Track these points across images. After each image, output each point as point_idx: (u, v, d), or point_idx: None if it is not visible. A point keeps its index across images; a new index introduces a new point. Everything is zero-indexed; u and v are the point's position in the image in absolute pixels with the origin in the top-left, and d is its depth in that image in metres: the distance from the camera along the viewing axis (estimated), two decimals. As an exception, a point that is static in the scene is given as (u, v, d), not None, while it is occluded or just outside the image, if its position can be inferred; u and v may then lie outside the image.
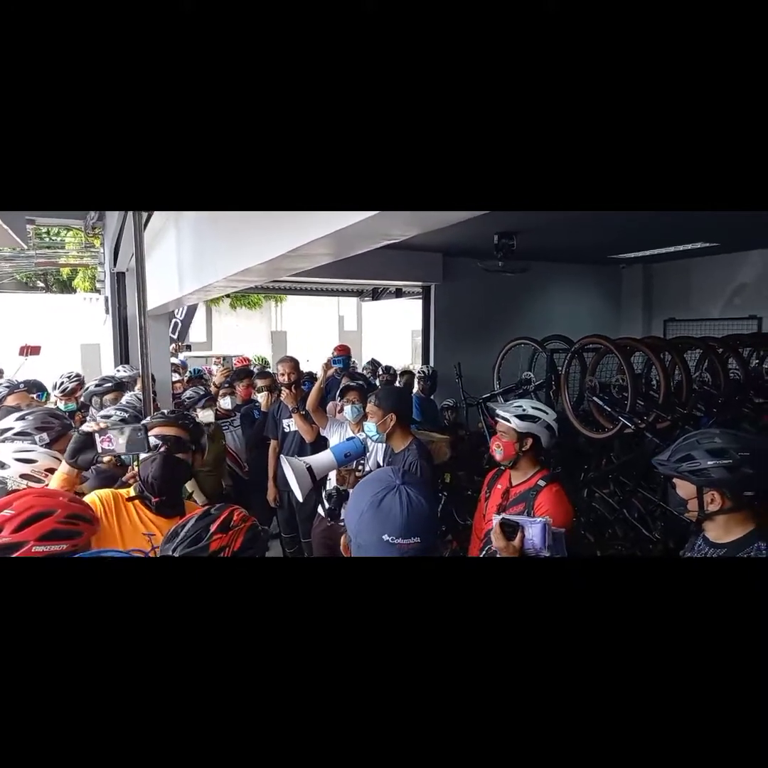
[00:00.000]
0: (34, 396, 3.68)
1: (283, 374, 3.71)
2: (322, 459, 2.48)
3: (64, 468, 1.64)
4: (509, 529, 1.79)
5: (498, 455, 2.22)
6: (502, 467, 2.29)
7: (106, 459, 1.71)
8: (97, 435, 1.59)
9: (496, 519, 1.89)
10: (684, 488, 1.53)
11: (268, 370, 4.72)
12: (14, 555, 1.15)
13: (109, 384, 3.59)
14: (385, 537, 0.96)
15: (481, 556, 2.24)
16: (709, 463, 1.47)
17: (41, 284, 15.57)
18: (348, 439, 2.63)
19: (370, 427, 2.54)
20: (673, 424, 3.30)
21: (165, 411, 1.92)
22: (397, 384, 5.62)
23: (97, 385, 3.62)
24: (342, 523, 2.83)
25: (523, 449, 2.16)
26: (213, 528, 1.20)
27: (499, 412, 2.23)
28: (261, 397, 4.03)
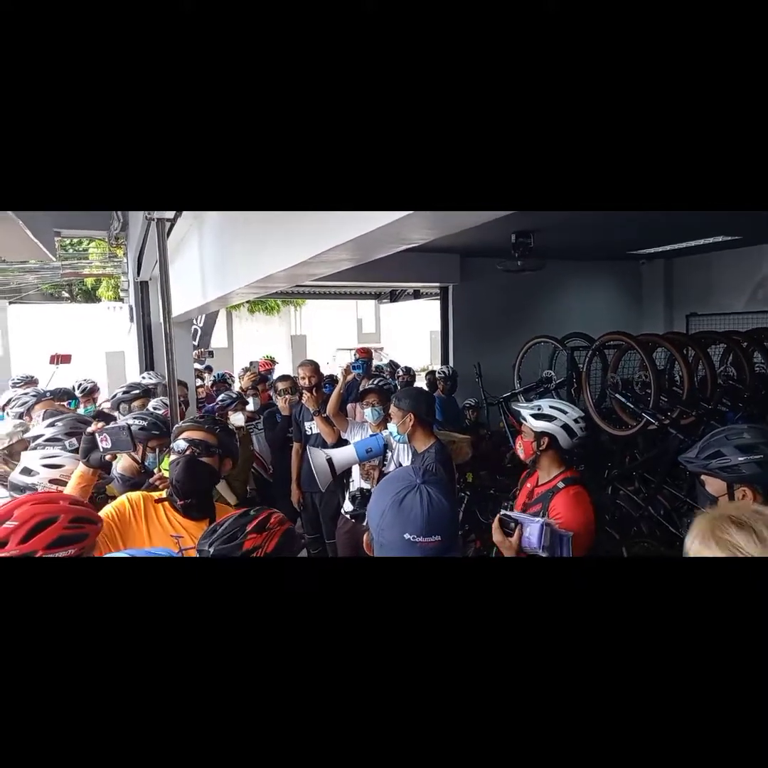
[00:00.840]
0: (66, 403, 3.78)
1: (303, 378, 3.74)
2: (343, 452, 2.55)
3: (80, 468, 1.75)
4: (507, 526, 1.81)
5: (520, 454, 2.24)
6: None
7: (108, 456, 1.82)
8: (97, 435, 1.73)
9: (498, 514, 1.91)
10: (714, 485, 1.52)
11: (287, 374, 4.78)
12: None
13: (137, 391, 3.66)
14: (407, 535, 0.98)
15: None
16: (739, 459, 1.46)
17: (66, 294, 15.89)
18: (371, 436, 2.65)
19: (391, 427, 2.57)
20: (697, 420, 3.26)
21: (196, 416, 1.97)
22: (418, 384, 5.63)
23: (124, 393, 3.69)
24: (366, 524, 2.86)
25: (541, 449, 2.13)
26: (249, 528, 1.23)
27: (521, 412, 2.23)
28: (279, 401, 4.07)
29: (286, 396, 4.02)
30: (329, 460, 2.43)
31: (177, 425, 1.83)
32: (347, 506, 2.87)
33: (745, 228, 4.84)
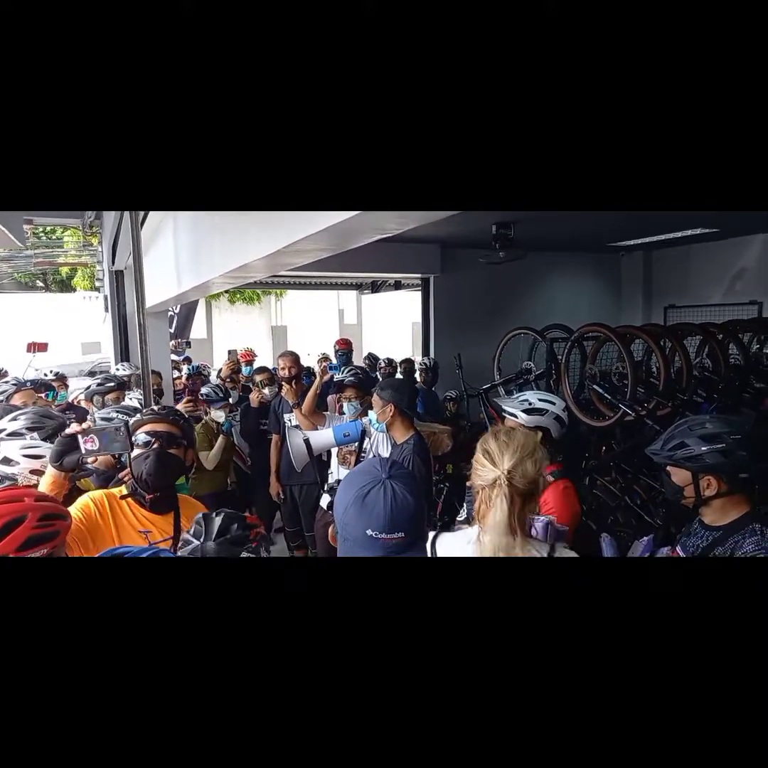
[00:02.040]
0: (43, 395, 3.71)
1: (283, 368, 3.71)
2: (320, 435, 2.59)
3: (50, 472, 1.60)
4: None
5: None
6: None
7: (90, 459, 1.70)
8: (80, 436, 1.57)
9: None
10: (679, 475, 1.54)
11: (264, 366, 4.75)
12: None
13: (112, 384, 3.60)
14: (369, 531, 0.96)
15: None
16: (703, 448, 1.48)
17: (41, 284, 15.58)
18: (350, 421, 2.67)
19: (371, 415, 2.56)
20: (673, 411, 3.30)
21: (155, 407, 1.92)
22: (397, 375, 5.63)
23: (98, 385, 3.62)
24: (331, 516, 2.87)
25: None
26: (248, 520, 1.23)
27: (505, 408, 2.19)
28: (252, 394, 4.04)
29: (262, 389, 3.98)
30: (306, 441, 2.46)
31: (135, 418, 1.77)
32: (325, 499, 2.86)
33: (724, 221, 4.89)
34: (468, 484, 1.61)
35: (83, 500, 1.63)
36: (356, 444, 2.76)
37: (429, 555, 1.33)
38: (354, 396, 3.02)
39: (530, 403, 2.13)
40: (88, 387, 3.76)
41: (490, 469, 1.29)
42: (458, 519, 1.61)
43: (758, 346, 4.32)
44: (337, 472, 3.01)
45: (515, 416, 2.12)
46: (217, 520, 1.19)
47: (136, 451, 1.65)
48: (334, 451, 2.98)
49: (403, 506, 0.98)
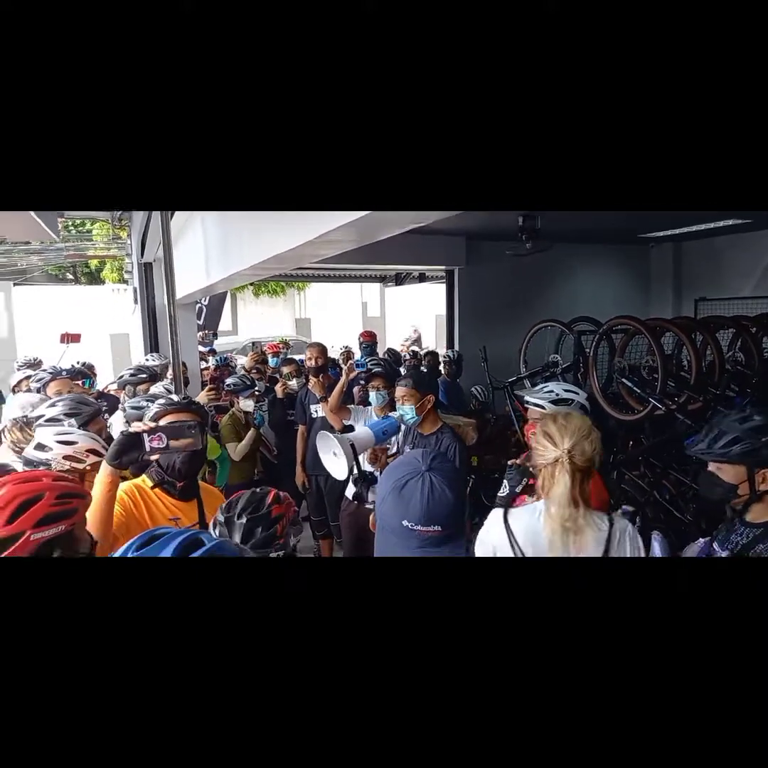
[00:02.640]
0: (80, 383, 3.81)
1: (310, 358, 3.77)
2: (362, 436, 2.50)
3: (106, 470, 1.52)
4: None
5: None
6: None
7: (153, 456, 1.69)
8: (145, 434, 1.51)
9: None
10: (731, 472, 1.48)
11: (292, 357, 4.80)
12: (13, 547, 1.11)
13: (144, 375, 3.66)
14: (405, 522, 0.97)
15: None
16: (762, 440, 1.43)
17: (70, 276, 15.87)
18: (384, 418, 2.63)
19: (406, 409, 2.53)
20: (705, 405, 3.24)
21: (174, 397, 1.95)
22: (422, 368, 5.62)
23: (131, 375, 3.69)
24: (369, 505, 2.88)
25: None
26: (269, 500, 1.27)
27: (530, 399, 2.19)
28: (278, 386, 4.09)
29: (288, 381, 4.04)
30: (353, 446, 2.41)
31: (154, 411, 1.79)
32: (350, 488, 2.87)
33: (757, 212, 4.76)
34: (510, 463, 1.77)
35: (118, 494, 1.63)
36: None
37: (504, 530, 1.44)
38: (382, 385, 3.01)
39: (556, 394, 2.15)
40: (121, 376, 3.83)
41: (551, 449, 1.42)
42: (500, 494, 1.70)
43: (793, 339, 4.21)
44: (364, 460, 3.03)
45: (542, 407, 2.12)
46: (239, 524, 1.21)
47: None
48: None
49: (440, 499, 0.98)
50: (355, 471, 2.95)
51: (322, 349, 3.82)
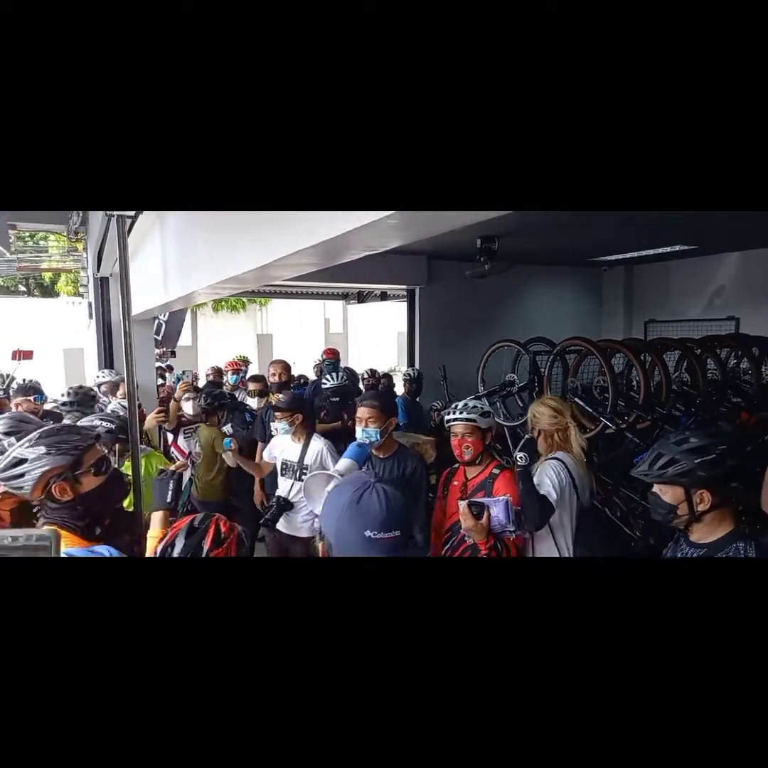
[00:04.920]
0: (32, 398, 3.72)
1: (273, 375, 3.79)
2: (347, 469, 2.28)
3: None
4: (476, 510, 1.99)
5: (468, 455, 2.38)
6: (456, 466, 2.51)
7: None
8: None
9: (462, 504, 2.05)
10: (671, 493, 1.52)
11: (258, 374, 4.74)
12: None
13: (66, 408, 3.61)
14: (367, 532, 0.99)
15: (445, 548, 2.41)
16: (695, 462, 1.46)
17: (23, 288, 15.37)
18: (357, 446, 2.55)
19: (371, 432, 2.53)
20: (653, 424, 3.36)
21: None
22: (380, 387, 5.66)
23: (62, 404, 3.65)
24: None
25: (486, 443, 2.41)
26: (207, 545, 1.19)
27: (460, 416, 2.37)
28: (252, 402, 4.10)
29: (251, 398, 4.05)
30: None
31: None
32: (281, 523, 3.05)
33: (703, 238, 5.01)
34: (526, 436, 2.32)
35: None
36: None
37: (563, 468, 2.26)
38: (282, 417, 3.08)
39: (482, 407, 2.41)
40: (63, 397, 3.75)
41: (560, 418, 2.33)
42: (520, 463, 2.12)
43: (735, 361, 4.42)
44: (281, 488, 3.14)
45: (475, 421, 2.35)
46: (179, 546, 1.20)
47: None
48: (294, 460, 3.13)
49: (397, 504, 1.03)
50: (277, 496, 3.07)
51: (285, 366, 3.84)
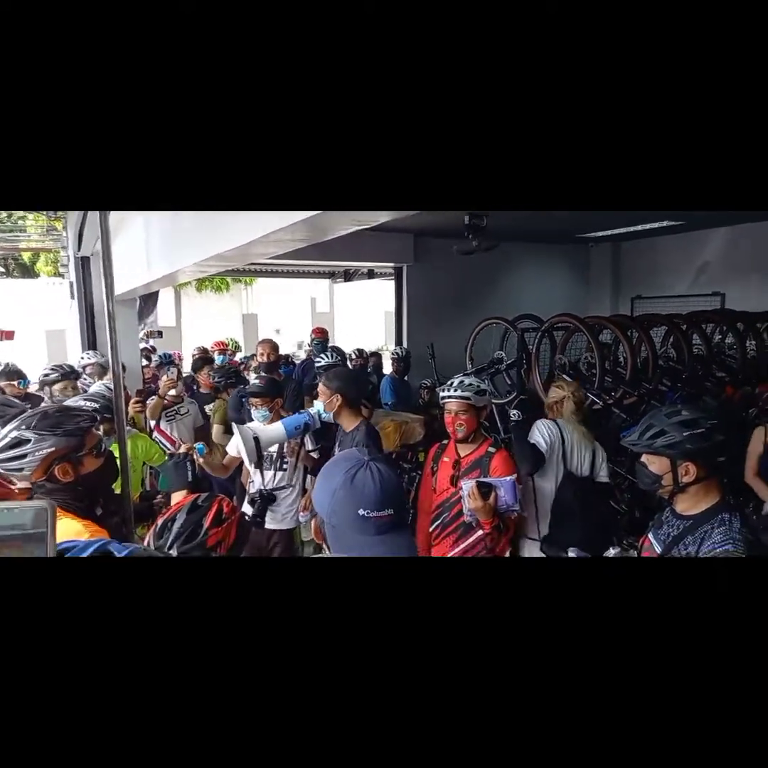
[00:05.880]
0: (16, 383, 3.67)
1: (262, 354, 3.77)
2: (270, 430, 2.54)
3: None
4: (485, 490, 2.02)
5: (461, 433, 2.38)
6: (445, 442, 2.52)
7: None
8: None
9: (468, 483, 2.11)
10: (658, 464, 1.56)
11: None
12: None
13: (56, 374, 3.52)
14: (361, 511, 0.99)
15: (435, 525, 2.44)
16: (684, 434, 1.50)
17: (1, 269, 15.06)
18: (299, 413, 2.63)
19: (318, 405, 2.57)
20: (639, 400, 3.39)
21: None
22: (369, 366, 5.65)
23: (45, 375, 3.57)
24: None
25: (480, 421, 2.42)
26: (207, 523, 1.19)
27: (454, 394, 2.37)
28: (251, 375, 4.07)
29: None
30: (256, 438, 2.44)
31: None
32: (247, 508, 2.81)
33: (689, 213, 5.01)
34: (521, 397, 2.82)
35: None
36: (299, 438, 2.81)
37: (556, 428, 2.56)
38: (260, 403, 2.89)
39: (477, 385, 2.41)
40: (45, 375, 3.68)
41: (561, 392, 2.65)
42: (514, 419, 2.52)
43: (720, 336, 4.46)
44: (258, 481, 2.94)
45: (469, 399, 2.35)
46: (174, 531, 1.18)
47: None
48: (274, 451, 2.93)
49: (390, 482, 1.02)
50: (251, 490, 2.90)
51: (273, 346, 3.81)
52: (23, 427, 1.36)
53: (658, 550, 1.60)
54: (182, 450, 1.89)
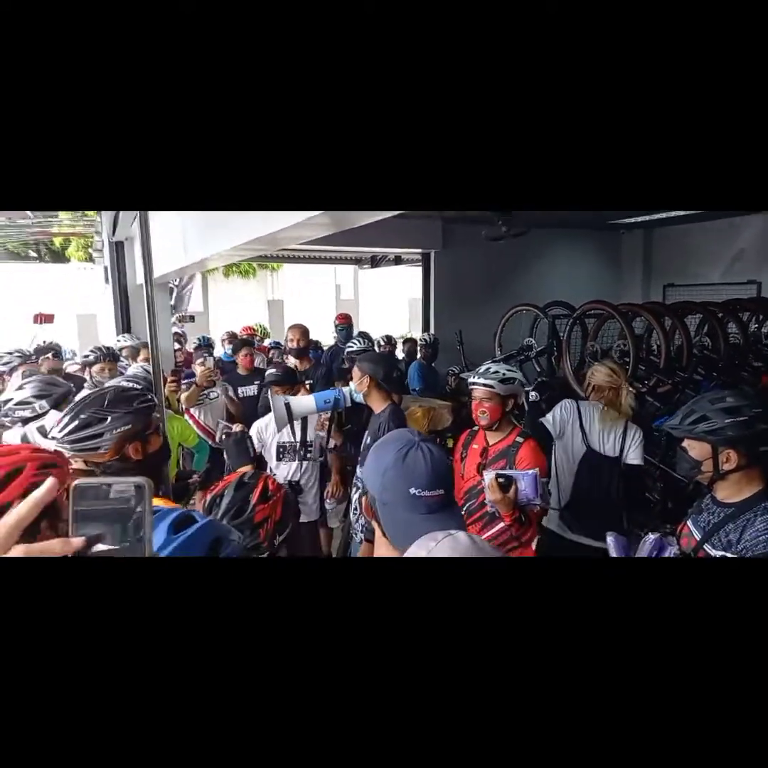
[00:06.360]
0: (50, 355, 3.77)
1: (292, 340, 3.78)
2: (301, 400, 2.68)
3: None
4: (504, 482, 1.96)
5: (484, 421, 2.34)
6: (476, 428, 2.47)
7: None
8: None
9: (489, 475, 2.05)
10: (698, 449, 1.55)
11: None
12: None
13: (98, 354, 3.58)
14: (412, 490, 1.01)
15: (462, 512, 2.39)
16: (726, 421, 1.48)
17: (34, 254, 15.36)
18: (331, 389, 2.74)
19: (351, 385, 2.65)
20: (673, 388, 3.35)
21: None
22: (399, 352, 5.66)
23: (84, 356, 3.64)
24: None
25: (506, 410, 2.33)
26: (254, 499, 1.23)
27: (479, 380, 2.33)
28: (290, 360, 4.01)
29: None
30: (287, 404, 2.56)
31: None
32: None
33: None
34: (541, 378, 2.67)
35: None
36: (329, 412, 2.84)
37: (575, 409, 2.64)
38: (281, 391, 2.98)
39: (503, 373, 2.32)
40: (85, 356, 3.77)
41: (616, 378, 2.58)
42: (532, 400, 2.56)
43: (757, 325, 4.37)
44: (281, 475, 3.02)
45: (492, 386, 2.28)
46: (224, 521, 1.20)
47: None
48: (297, 440, 3.07)
49: (442, 463, 1.04)
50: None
51: (304, 331, 3.82)
52: (92, 408, 1.39)
53: (698, 536, 1.59)
54: (237, 428, 1.93)
